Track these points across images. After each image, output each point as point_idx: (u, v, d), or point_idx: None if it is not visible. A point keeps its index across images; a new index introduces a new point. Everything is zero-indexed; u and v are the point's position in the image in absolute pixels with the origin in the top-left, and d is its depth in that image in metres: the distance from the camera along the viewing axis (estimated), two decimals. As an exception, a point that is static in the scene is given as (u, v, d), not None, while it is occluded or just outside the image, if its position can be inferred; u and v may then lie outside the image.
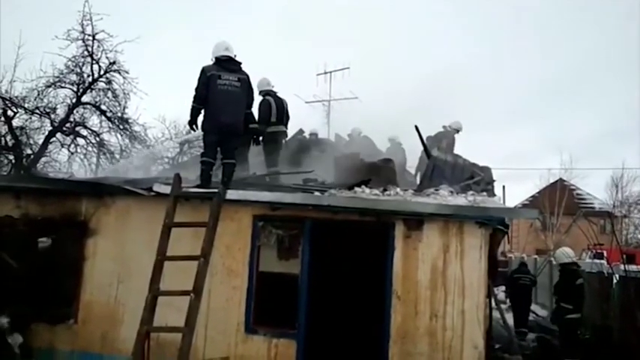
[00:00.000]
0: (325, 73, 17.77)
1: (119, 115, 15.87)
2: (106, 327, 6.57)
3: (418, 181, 9.59)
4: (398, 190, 6.94)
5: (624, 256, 13.37)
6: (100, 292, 6.69)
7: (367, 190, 6.89)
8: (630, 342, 8.90)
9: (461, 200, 6.45)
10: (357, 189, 6.97)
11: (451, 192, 6.90)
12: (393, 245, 6.11)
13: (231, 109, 6.68)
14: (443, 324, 5.88)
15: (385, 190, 6.93)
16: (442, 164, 7.71)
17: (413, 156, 11.70)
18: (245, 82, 6.85)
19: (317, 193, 6.69)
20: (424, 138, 8.55)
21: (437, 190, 6.98)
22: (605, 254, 17.35)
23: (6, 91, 14.28)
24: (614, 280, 10.64)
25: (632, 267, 12.78)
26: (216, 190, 6.27)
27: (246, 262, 6.46)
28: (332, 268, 7.69)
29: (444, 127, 11.24)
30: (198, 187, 6.60)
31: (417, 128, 7.98)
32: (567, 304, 8.59)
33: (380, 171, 8.07)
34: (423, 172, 10.14)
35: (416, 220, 6.07)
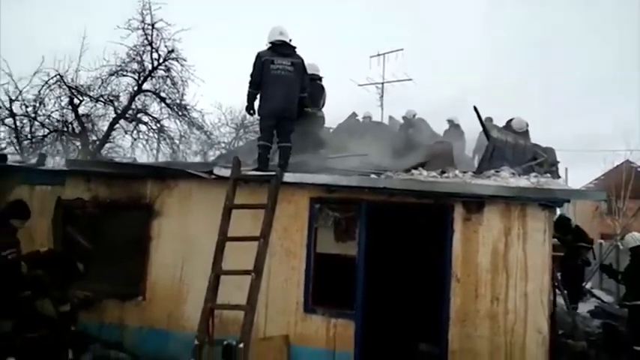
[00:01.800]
0: (378, 55, 17.54)
1: (178, 101, 16.33)
2: (171, 305, 6.86)
3: (476, 164, 9.35)
4: (457, 172, 6.79)
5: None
6: (165, 271, 6.98)
7: (424, 173, 6.80)
8: None
9: (523, 182, 6.24)
10: (414, 171, 6.89)
11: (513, 174, 6.69)
12: (452, 228, 6.02)
13: (284, 93, 6.73)
14: (505, 307, 5.76)
15: (443, 172, 6.80)
16: (502, 145, 7.46)
17: (472, 138, 11.40)
18: (299, 66, 6.86)
19: (373, 176, 6.66)
20: (483, 119, 8.28)
21: (497, 171, 6.79)
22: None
23: (72, 80, 14.96)
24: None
25: None
26: (273, 173, 6.37)
27: (303, 244, 6.55)
28: (389, 250, 7.70)
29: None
30: (256, 170, 6.73)
31: (475, 109, 7.74)
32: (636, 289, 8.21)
33: (437, 154, 7.93)
34: (481, 154, 9.89)
35: (476, 203, 5.94)
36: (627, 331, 8.25)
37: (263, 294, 6.04)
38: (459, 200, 6.01)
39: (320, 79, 8.86)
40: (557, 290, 9.61)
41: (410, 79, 17.10)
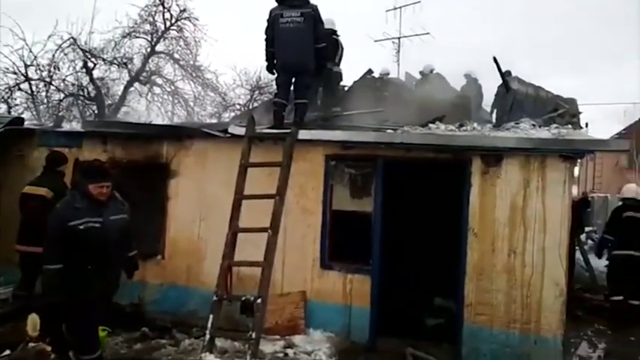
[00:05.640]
0: (395, 9, 17.11)
1: (191, 62, 16.21)
2: (190, 262, 6.98)
3: (494, 119, 9.17)
4: (475, 125, 6.67)
5: None
6: (183, 229, 7.07)
7: (442, 127, 6.70)
8: None
9: (544, 133, 6.10)
10: (431, 125, 6.78)
11: (533, 125, 6.54)
12: (469, 182, 5.94)
13: (294, 46, 6.54)
14: (522, 261, 5.74)
15: (461, 125, 6.68)
16: (523, 97, 7.28)
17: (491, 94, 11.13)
18: (309, 15, 6.55)
19: (389, 131, 6.57)
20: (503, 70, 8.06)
21: (517, 124, 6.64)
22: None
23: (85, 43, 14.91)
24: None
25: None
26: (289, 131, 6.32)
27: (319, 201, 6.55)
28: (406, 206, 7.67)
29: None
30: (271, 128, 6.68)
31: (495, 60, 7.53)
32: (610, 236, 8.17)
33: (454, 108, 7.78)
34: (499, 108, 9.69)
35: (494, 156, 5.84)
36: (607, 280, 8.27)
37: (280, 251, 6.09)
38: (477, 154, 5.90)
39: (336, 33, 8.66)
40: (575, 244, 9.58)
41: (427, 33, 16.70)
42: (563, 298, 5.63)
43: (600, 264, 9.20)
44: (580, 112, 7.29)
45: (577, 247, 9.99)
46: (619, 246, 7.96)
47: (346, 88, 10.23)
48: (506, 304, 5.78)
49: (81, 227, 4.38)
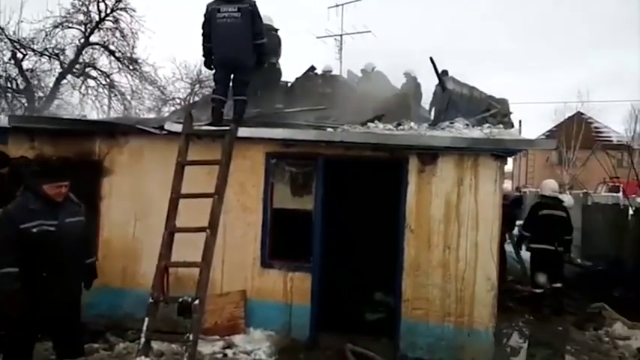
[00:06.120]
0: (337, 5, 17.21)
1: (128, 55, 15.68)
2: (125, 263, 6.75)
3: (433, 117, 9.41)
4: (412, 124, 6.82)
5: (641, 189, 13.32)
6: (118, 229, 6.83)
7: (381, 125, 6.80)
8: (643, 273, 8.98)
9: (477, 133, 6.33)
10: (370, 124, 6.87)
11: (467, 125, 6.77)
12: (406, 180, 6.08)
13: (231, 41, 6.43)
14: (456, 256, 5.94)
15: (399, 124, 6.82)
16: (458, 97, 7.51)
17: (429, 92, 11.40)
18: (247, 11, 6.43)
19: (330, 129, 6.61)
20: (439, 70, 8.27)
21: (452, 123, 6.85)
22: (621, 187, 17.25)
23: (14, 33, 14.10)
24: (630, 212, 10.60)
25: (649, 199, 12.76)
26: (227, 128, 6.21)
27: (260, 199, 6.51)
28: (346, 204, 7.76)
29: None
30: (209, 125, 6.56)
31: (432, 60, 7.71)
32: (527, 232, 8.69)
33: (393, 107, 7.91)
34: (436, 107, 9.94)
35: (430, 154, 6.00)
36: (530, 274, 8.75)
37: (220, 250, 6.01)
38: (414, 152, 6.05)
39: (275, 30, 8.58)
40: (506, 238, 10.03)
41: (369, 31, 16.91)
42: (495, 291, 5.87)
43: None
44: (511, 112, 7.61)
45: (509, 241, 10.45)
46: (536, 240, 8.39)
47: (289, 84, 10.20)
48: (441, 299, 5.97)
49: (34, 230, 3.99)
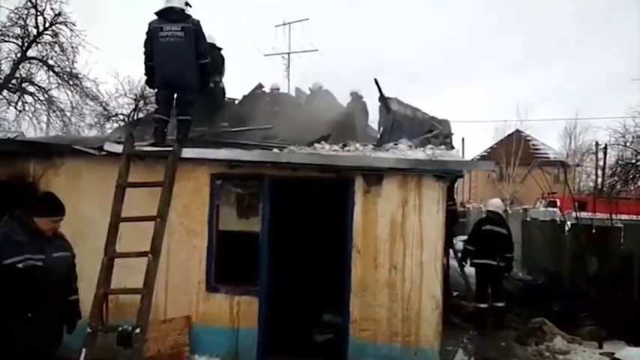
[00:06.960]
0: (284, 24, 17.32)
1: (68, 70, 15.13)
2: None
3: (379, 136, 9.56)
4: (357, 145, 6.90)
5: (576, 204, 14.00)
6: (54, 255, 6.49)
7: (327, 146, 6.83)
8: (580, 287, 9.38)
9: (419, 154, 6.47)
10: (316, 145, 6.90)
11: (410, 146, 6.91)
12: (353, 200, 6.12)
13: (175, 61, 6.34)
14: (402, 276, 6.00)
15: (345, 145, 6.87)
16: (401, 118, 7.68)
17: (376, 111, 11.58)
18: (190, 30, 6.36)
19: (276, 150, 6.58)
20: (383, 92, 8.45)
21: (396, 144, 6.98)
22: (558, 202, 18.08)
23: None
24: (567, 228, 11.08)
25: (584, 214, 13.41)
26: (170, 148, 6.07)
27: (205, 222, 6.38)
28: (293, 225, 7.72)
29: None
30: (152, 145, 6.39)
31: (376, 81, 7.88)
32: (470, 246, 8.99)
33: (340, 126, 8.00)
34: (382, 127, 10.11)
35: (375, 175, 6.07)
36: (475, 289, 9.02)
37: (163, 274, 5.84)
38: (360, 173, 6.10)
39: (219, 48, 8.52)
40: (451, 254, 10.26)
41: (316, 50, 17.09)
42: (439, 310, 5.96)
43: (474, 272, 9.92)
44: (452, 133, 7.86)
45: (453, 257, 10.69)
46: (478, 255, 8.65)
47: (236, 102, 10.11)
48: (388, 319, 6.00)
49: (20, 266, 3.62)
